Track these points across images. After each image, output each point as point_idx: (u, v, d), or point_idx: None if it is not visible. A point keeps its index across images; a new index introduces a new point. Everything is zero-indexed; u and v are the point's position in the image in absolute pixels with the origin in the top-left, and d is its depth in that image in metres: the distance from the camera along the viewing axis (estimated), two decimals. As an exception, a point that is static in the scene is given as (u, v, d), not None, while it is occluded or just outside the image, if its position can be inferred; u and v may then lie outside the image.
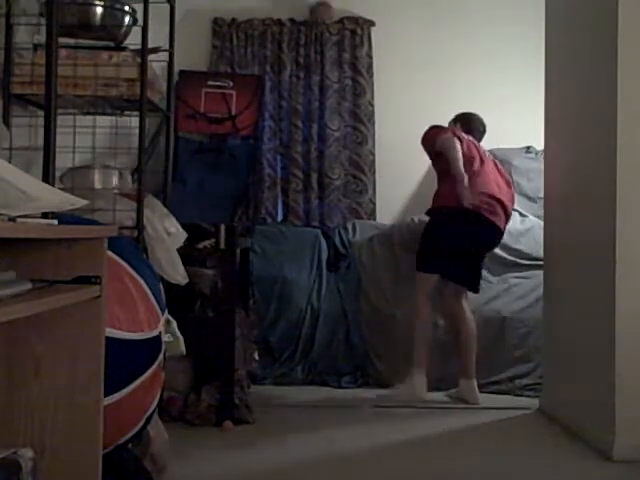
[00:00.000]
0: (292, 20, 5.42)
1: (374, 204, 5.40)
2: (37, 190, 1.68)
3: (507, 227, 4.63)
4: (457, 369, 4.27)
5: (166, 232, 3.27)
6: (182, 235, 3.38)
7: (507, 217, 4.38)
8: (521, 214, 5.12)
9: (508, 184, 4.45)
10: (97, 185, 3.42)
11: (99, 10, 3.38)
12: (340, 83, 5.42)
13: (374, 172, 5.40)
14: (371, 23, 5.44)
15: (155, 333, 2.41)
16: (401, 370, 4.36)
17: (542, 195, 4.39)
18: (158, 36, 3.54)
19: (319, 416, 3.94)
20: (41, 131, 2.77)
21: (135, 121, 3.32)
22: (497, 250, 4.88)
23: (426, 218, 4.45)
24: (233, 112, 5.04)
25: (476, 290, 4.35)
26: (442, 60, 5.23)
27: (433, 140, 4.33)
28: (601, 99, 3.38)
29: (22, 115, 3.26)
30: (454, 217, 4.25)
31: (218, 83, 5.10)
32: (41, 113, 2.84)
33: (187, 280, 3.34)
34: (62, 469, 1.94)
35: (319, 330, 4.73)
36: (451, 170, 4.20)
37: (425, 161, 4.59)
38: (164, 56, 3.70)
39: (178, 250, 3.31)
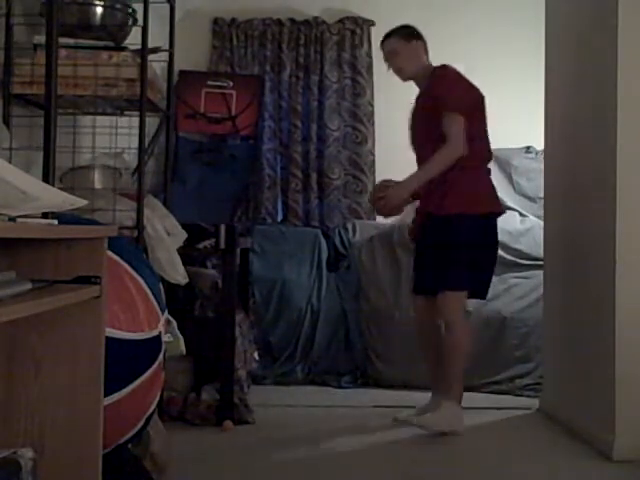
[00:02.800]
0: (292, 20, 5.42)
1: (374, 204, 5.40)
2: (37, 190, 1.68)
3: (507, 227, 4.63)
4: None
5: (166, 232, 3.27)
6: (182, 235, 3.38)
7: None
8: (521, 214, 5.13)
9: None
10: (97, 185, 3.41)
11: (99, 10, 3.37)
12: (340, 83, 5.42)
13: (374, 172, 5.39)
14: (371, 23, 5.44)
15: (155, 333, 2.41)
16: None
17: (542, 195, 4.39)
18: (158, 36, 3.55)
19: (319, 416, 3.94)
20: (41, 131, 2.77)
21: (135, 121, 3.32)
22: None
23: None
24: (233, 112, 5.04)
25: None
26: (442, 60, 5.21)
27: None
28: (601, 99, 3.38)
29: (22, 115, 3.26)
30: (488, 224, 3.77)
31: (218, 83, 5.10)
32: (41, 113, 2.83)
33: (187, 280, 3.34)
34: (62, 469, 1.94)
35: (319, 330, 4.74)
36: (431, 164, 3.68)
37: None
38: (164, 56, 3.69)
39: (178, 250, 3.31)
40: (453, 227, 3.64)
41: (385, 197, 3.72)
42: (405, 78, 3.91)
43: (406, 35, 3.88)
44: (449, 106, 3.66)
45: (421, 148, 3.84)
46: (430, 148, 3.71)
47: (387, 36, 3.95)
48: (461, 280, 3.66)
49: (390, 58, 3.90)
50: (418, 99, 3.92)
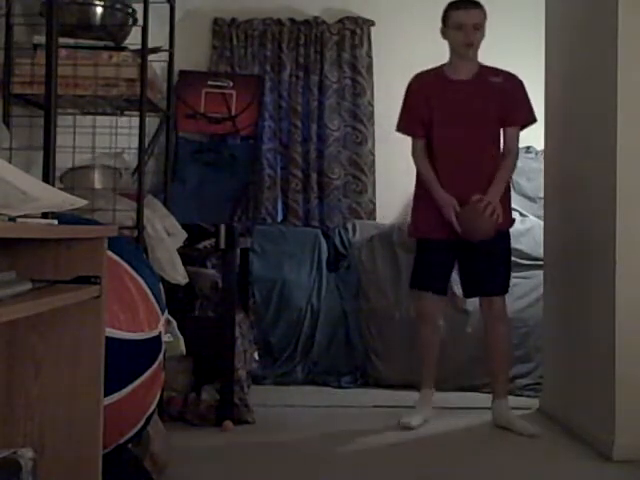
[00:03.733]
0: (292, 20, 5.42)
1: (374, 204, 5.40)
2: (37, 190, 1.68)
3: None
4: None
5: (166, 232, 3.27)
6: (182, 235, 3.38)
7: None
8: (521, 214, 5.12)
9: None
10: (97, 185, 3.42)
11: (99, 10, 3.38)
12: (340, 83, 5.42)
13: (374, 172, 5.39)
14: (371, 23, 5.44)
15: (155, 333, 2.41)
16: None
17: (542, 195, 4.39)
18: (158, 36, 3.55)
19: (319, 416, 3.94)
20: (41, 131, 2.77)
21: (135, 121, 3.33)
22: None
23: None
24: (233, 112, 5.04)
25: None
26: (442, 60, 5.22)
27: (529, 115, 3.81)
28: (601, 99, 3.38)
29: (22, 115, 3.26)
30: None
31: (218, 83, 5.10)
32: (41, 113, 2.84)
33: (187, 280, 3.34)
34: (62, 469, 1.94)
35: (319, 330, 4.73)
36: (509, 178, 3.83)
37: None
38: (164, 56, 3.70)
39: (178, 250, 3.31)
40: (508, 235, 3.83)
41: (491, 205, 3.60)
42: (470, 55, 3.77)
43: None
44: (522, 122, 3.78)
45: (455, 154, 3.72)
46: (479, 145, 3.71)
47: (473, 6, 3.71)
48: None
49: (474, 29, 3.70)
50: (457, 83, 3.79)
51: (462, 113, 3.74)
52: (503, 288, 3.82)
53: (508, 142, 3.76)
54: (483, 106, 3.73)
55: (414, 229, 3.91)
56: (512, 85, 3.77)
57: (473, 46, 3.74)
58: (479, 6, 3.73)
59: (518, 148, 3.82)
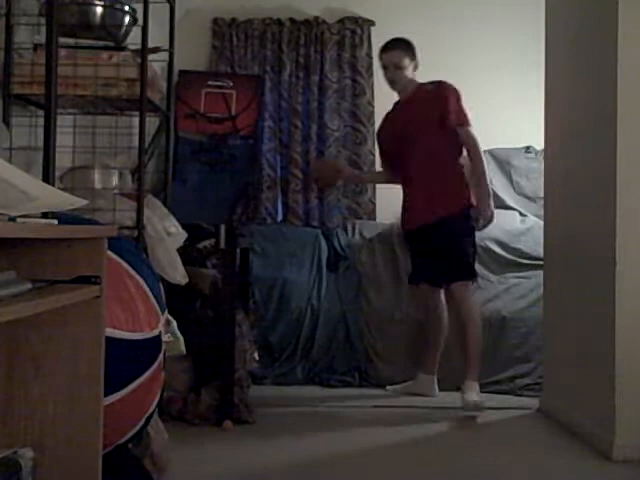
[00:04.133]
0: (292, 20, 5.42)
1: (374, 204, 5.40)
2: (37, 190, 1.68)
3: (507, 227, 4.67)
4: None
5: (166, 232, 3.27)
6: (182, 235, 3.38)
7: None
8: (521, 214, 5.13)
9: None
10: (97, 185, 3.42)
11: (99, 10, 3.37)
12: (340, 83, 5.42)
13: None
14: (371, 23, 5.44)
15: (155, 333, 2.41)
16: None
17: (542, 195, 4.39)
18: (158, 36, 3.55)
19: (319, 416, 3.94)
20: (41, 131, 2.77)
21: (135, 121, 3.33)
22: (497, 250, 4.89)
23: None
24: (233, 112, 5.05)
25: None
26: (442, 60, 5.23)
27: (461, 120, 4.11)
28: (601, 99, 3.38)
29: (22, 115, 3.26)
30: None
31: (218, 83, 5.10)
32: (41, 113, 2.84)
33: (187, 280, 3.34)
34: (62, 469, 1.94)
35: (319, 330, 4.73)
36: (481, 172, 4.08)
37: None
38: (164, 56, 3.70)
39: (178, 250, 3.31)
40: (461, 220, 4.14)
41: (484, 209, 4.06)
42: (396, 89, 4.22)
43: (412, 54, 4.14)
44: (466, 121, 4.09)
45: (409, 157, 4.15)
46: (430, 152, 4.08)
47: (392, 47, 4.14)
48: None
49: (393, 70, 4.14)
50: (399, 107, 4.27)
51: (406, 128, 4.14)
52: (453, 276, 4.06)
53: (464, 142, 4.07)
54: (424, 115, 4.10)
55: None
56: (443, 89, 4.09)
57: (394, 83, 4.17)
58: (398, 46, 4.11)
59: (476, 142, 4.04)
